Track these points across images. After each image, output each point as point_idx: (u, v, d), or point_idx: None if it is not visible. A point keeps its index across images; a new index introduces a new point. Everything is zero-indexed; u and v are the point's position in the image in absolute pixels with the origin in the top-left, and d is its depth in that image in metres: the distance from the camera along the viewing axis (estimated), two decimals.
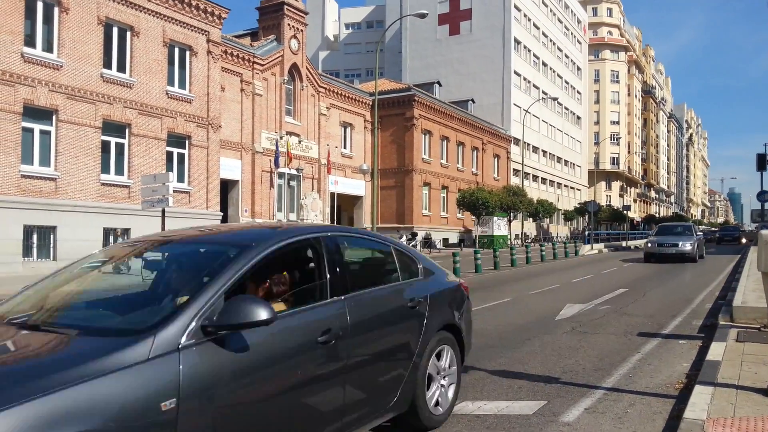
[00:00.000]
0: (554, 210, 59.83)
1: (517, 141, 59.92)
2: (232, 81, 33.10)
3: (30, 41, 21.25)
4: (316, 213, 37.09)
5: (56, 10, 21.86)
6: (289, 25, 36.72)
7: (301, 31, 37.95)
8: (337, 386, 3.90)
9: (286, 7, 36.38)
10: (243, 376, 3.29)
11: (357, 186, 43.62)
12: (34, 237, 21.21)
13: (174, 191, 22.09)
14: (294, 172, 37.16)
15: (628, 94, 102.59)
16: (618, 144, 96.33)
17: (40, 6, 21.48)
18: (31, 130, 21.27)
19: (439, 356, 5.08)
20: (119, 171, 24.25)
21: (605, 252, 39.89)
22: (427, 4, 59.19)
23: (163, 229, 20.70)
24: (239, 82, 33.68)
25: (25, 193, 20.79)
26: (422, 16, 32.49)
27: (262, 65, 34.95)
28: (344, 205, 44.37)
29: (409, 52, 66.15)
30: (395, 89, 46.90)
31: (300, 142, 37.78)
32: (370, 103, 43.10)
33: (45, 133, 21.68)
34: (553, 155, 72.80)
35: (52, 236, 21.59)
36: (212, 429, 3.11)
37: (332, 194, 39.70)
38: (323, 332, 3.83)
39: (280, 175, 36.56)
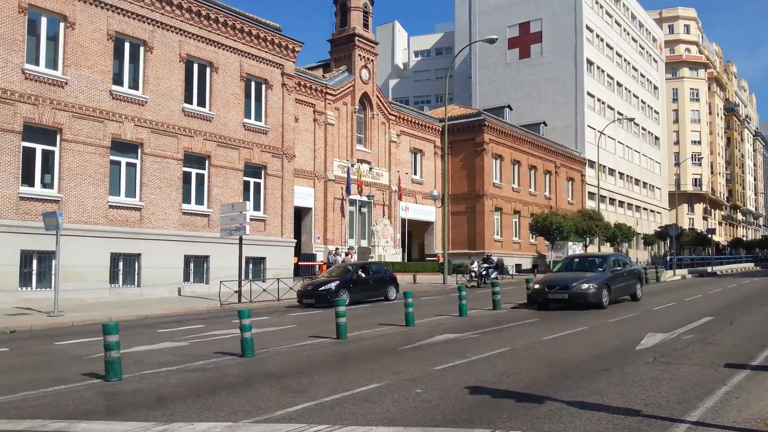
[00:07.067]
0: (633, 234, 57.84)
1: (591, 163, 58.53)
2: (305, 111, 34.02)
3: (118, 79, 22.61)
4: (387, 239, 37.29)
5: (141, 49, 23.22)
6: (359, 55, 37.50)
7: (372, 60, 38.67)
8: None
9: (357, 38, 37.24)
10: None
11: (428, 212, 43.64)
12: (120, 264, 22.28)
13: (250, 219, 22.83)
14: (365, 199, 37.60)
15: (710, 113, 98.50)
16: (700, 164, 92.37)
17: (127, 46, 22.87)
18: (119, 163, 22.51)
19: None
20: (199, 201, 25.25)
21: (689, 278, 38.15)
22: (497, 29, 59.07)
23: (240, 256, 21.32)
24: (312, 112, 34.57)
25: (113, 223, 21.94)
26: (492, 41, 32.21)
27: (334, 95, 35.77)
28: (415, 231, 44.42)
29: (478, 77, 66.10)
30: (465, 114, 46.84)
31: (371, 169, 38.26)
32: (440, 129, 43.24)
33: (131, 166, 22.89)
34: (631, 177, 70.61)
35: (136, 263, 22.62)
36: None
37: (403, 220, 39.87)
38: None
39: (352, 202, 37.07)
